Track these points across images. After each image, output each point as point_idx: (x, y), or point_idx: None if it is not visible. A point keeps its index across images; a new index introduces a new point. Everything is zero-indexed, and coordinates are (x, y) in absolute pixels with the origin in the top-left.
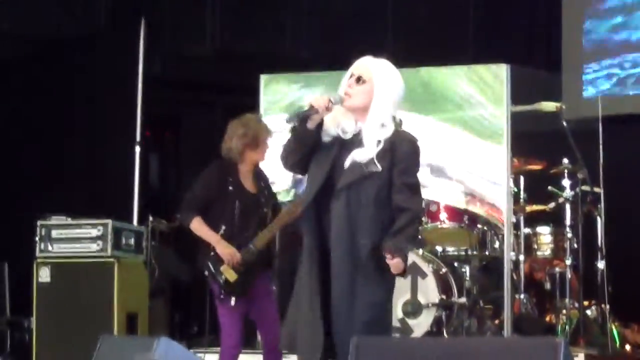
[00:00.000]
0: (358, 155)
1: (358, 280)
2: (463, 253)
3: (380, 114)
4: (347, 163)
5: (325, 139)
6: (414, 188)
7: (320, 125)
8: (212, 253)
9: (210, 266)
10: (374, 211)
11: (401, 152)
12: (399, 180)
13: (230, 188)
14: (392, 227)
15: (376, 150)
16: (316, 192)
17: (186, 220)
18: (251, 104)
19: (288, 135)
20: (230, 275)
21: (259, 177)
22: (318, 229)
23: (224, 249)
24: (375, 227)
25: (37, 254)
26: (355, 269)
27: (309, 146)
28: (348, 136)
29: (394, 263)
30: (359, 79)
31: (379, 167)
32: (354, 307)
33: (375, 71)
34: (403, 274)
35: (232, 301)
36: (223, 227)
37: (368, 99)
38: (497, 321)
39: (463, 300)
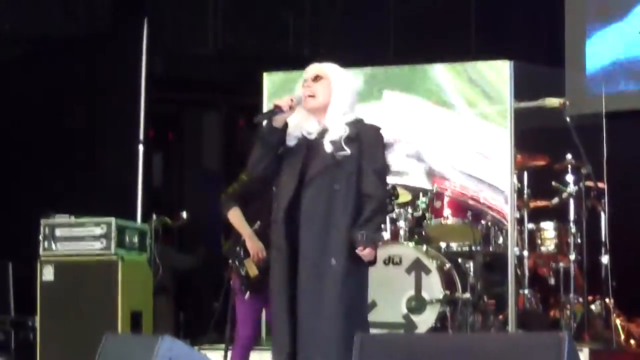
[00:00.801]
0: (326, 144)
1: (328, 266)
2: (467, 249)
3: (341, 105)
4: (316, 156)
5: (291, 142)
6: (381, 174)
7: (285, 126)
8: (241, 245)
9: (237, 256)
10: (345, 196)
11: (367, 139)
12: (366, 167)
13: (274, 188)
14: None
15: (341, 133)
16: (294, 188)
17: (224, 209)
18: (254, 103)
19: (256, 144)
20: (252, 270)
21: None
22: (290, 226)
23: (253, 244)
24: (346, 212)
25: (41, 252)
26: (326, 253)
27: (277, 147)
28: (313, 136)
29: (365, 253)
30: (315, 78)
31: (348, 151)
32: (323, 296)
33: (328, 68)
34: (374, 262)
35: (247, 295)
36: (258, 223)
37: (329, 94)
38: (501, 317)
39: (467, 296)
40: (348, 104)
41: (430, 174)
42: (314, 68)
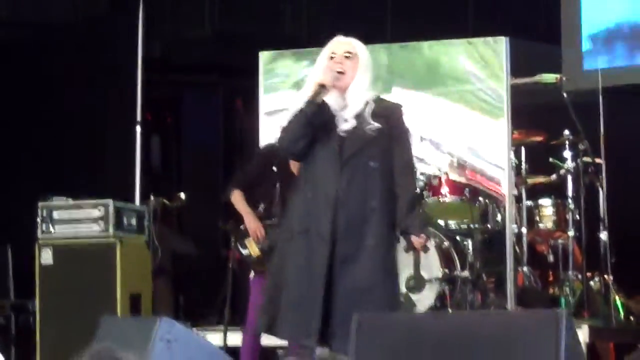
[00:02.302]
0: (352, 121)
1: (365, 246)
2: (465, 227)
3: (365, 82)
4: (348, 134)
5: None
6: (410, 155)
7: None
8: (243, 226)
9: (238, 236)
10: (381, 174)
11: (394, 117)
12: (396, 148)
13: (275, 169)
14: (398, 196)
15: (365, 108)
16: (334, 169)
17: (227, 193)
18: (251, 85)
19: (293, 121)
20: (254, 250)
21: None
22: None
23: (250, 223)
24: (383, 191)
25: (39, 235)
26: (363, 233)
27: (318, 127)
28: (339, 113)
29: (421, 241)
30: (346, 55)
31: (376, 125)
32: (362, 276)
33: (357, 45)
34: (426, 249)
35: (251, 275)
36: (262, 205)
37: (356, 72)
38: (500, 294)
39: (466, 274)
40: (370, 81)
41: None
42: (345, 44)
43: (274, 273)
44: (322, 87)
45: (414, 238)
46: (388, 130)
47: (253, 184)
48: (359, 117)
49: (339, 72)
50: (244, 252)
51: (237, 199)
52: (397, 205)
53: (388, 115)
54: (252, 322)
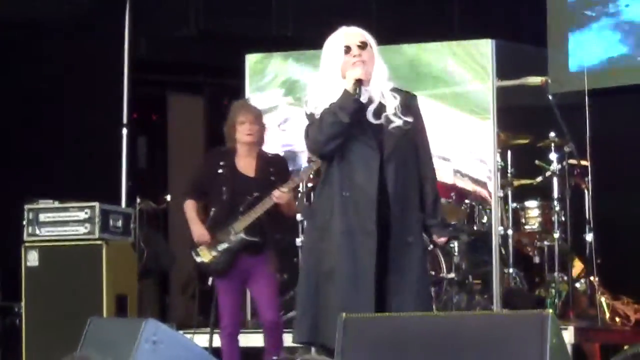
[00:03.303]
0: (383, 115)
1: (407, 244)
2: (451, 228)
3: (384, 73)
4: (383, 131)
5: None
6: (429, 150)
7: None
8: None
9: (191, 247)
10: (414, 171)
11: (413, 109)
12: (420, 142)
13: (221, 171)
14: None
15: (394, 102)
16: (375, 167)
17: (180, 203)
18: (237, 84)
19: (328, 120)
20: (205, 255)
21: (266, 160)
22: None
23: (194, 229)
24: (416, 189)
25: (25, 238)
26: (405, 231)
27: (350, 125)
28: (368, 108)
29: (442, 241)
30: (363, 45)
31: (405, 118)
32: (409, 273)
33: (366, 34)
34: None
35: (209, 281)
36: (213, 210)
37: (374, 62)
38: (486, 296)
39: (452, 275)
40: (386, 70)
41: None
42: (356, 35)
43: (309, 273)
44: (359, 82)
45: (435, 236)
46: (413, 121)
47: (203, 191)
48: (389, 110)
49: (362, 62)
50: (197, 259)
51: (189, 207)
52: (425, 200)
53: (409, 106)
54: (228, 325)
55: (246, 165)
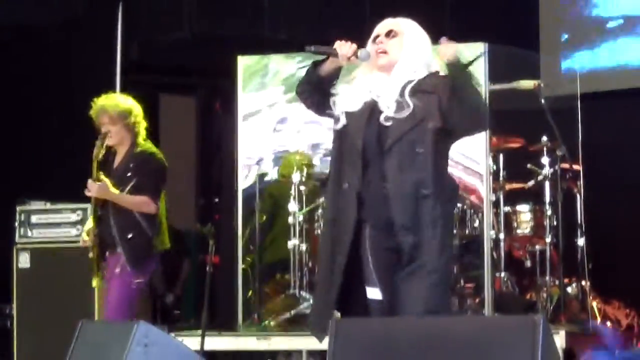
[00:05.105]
0: (392, 105)
1: (422, 237)
2: None
3: (411, 61)
4: (388, 121)
5: (356, 107)
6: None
7: (333, 75)
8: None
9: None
10: (432, 157)
11: (444, 90)
12: (457, 129)
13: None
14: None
15: (406, 87)
16: (371, 157)
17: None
18: (229, 86)
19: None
20: (90, 253)
21: (131, 157)
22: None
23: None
24: (435, 177)
25: (17, 239)
26: (419, 223)
27: (316, 87)
28: (382, 97)
29: None
30: (389, 33)
31: (415, 103)
32: (424, 269)
33: (403, 22)
34: None
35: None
36: None
37: (400, 51)
38: (477, 300)
39: None
40: (420, 61)
41: None
42: (388, 23)
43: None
44: (334, 51)
45: None
46: (439, 108)
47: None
48: (400, 98)
49: (381, 52)
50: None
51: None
52: None
53: (434, 91)
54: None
55: (119, 162)
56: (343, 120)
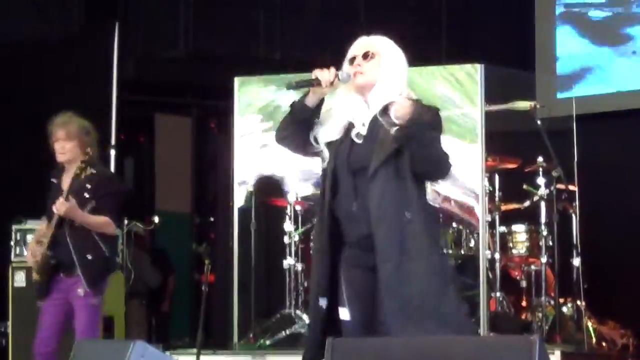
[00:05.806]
0: (366, 125)
1: (407, 260)
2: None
3: (389, 82)
4: (370, 143)
5: (337, 135)
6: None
7: (320, 103)
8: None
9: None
10: (415, 183)
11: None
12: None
13: (50, 190)
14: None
15: (383, 110)
16: (352, 182)
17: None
18: (224, 106)
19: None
20: (35, 274)
21: (86, 177)
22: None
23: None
24: (419, 203)
25: (13, 258)
26: (404, 250)
27: (303, 123)
28: (362, 122)
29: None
30: (366, 55)
31: (395, 126)
32: (408, 297)
33: (378, 43)
34: None
35: (39, 303)
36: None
37: (377, 72)
38: (473, 320)
39: None
40: (397, 81)
41: None
42: (363, 44)
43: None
44: (317, 80)
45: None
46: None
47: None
48: (375, 120)
49: (358, 73)
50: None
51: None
52: None
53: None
54: (34, 344)
55: (66, 182)
56: (326, 154)
